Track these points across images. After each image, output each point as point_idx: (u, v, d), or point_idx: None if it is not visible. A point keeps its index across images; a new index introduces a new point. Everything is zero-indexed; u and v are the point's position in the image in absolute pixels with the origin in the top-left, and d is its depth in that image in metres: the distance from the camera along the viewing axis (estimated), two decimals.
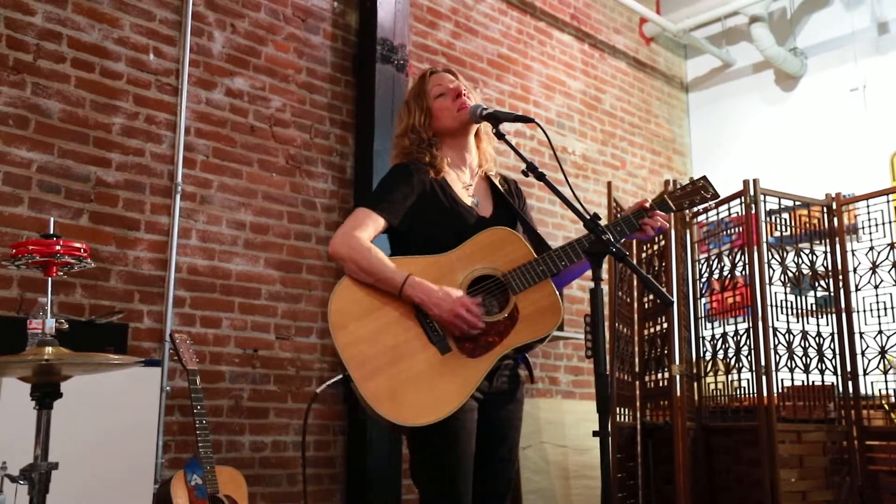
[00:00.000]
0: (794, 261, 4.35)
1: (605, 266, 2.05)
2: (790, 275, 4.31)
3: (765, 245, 4.18)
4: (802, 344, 4.23)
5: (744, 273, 4.23)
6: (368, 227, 2.09)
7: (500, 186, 2.29)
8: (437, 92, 2.24)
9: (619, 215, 2.19)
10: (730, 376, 4.29)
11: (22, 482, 1.88)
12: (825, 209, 4.47)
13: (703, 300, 4.60)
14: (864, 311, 4.29)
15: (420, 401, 1.95)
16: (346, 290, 2.04)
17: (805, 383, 4.22)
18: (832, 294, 4.38)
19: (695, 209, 4.77)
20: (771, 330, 4.08)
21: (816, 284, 4.40)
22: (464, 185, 2.24)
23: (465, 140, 2.27)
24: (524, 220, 2.25)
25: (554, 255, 2.08)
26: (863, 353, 4.26)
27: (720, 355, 4.40)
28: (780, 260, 4.30)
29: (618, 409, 4.29)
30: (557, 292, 2.10)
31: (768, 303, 4.10)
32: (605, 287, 3.91)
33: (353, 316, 2.01)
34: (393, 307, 2.02)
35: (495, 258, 2.09)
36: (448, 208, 2.15)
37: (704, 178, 2.22)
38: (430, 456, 2.04)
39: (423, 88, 2.27)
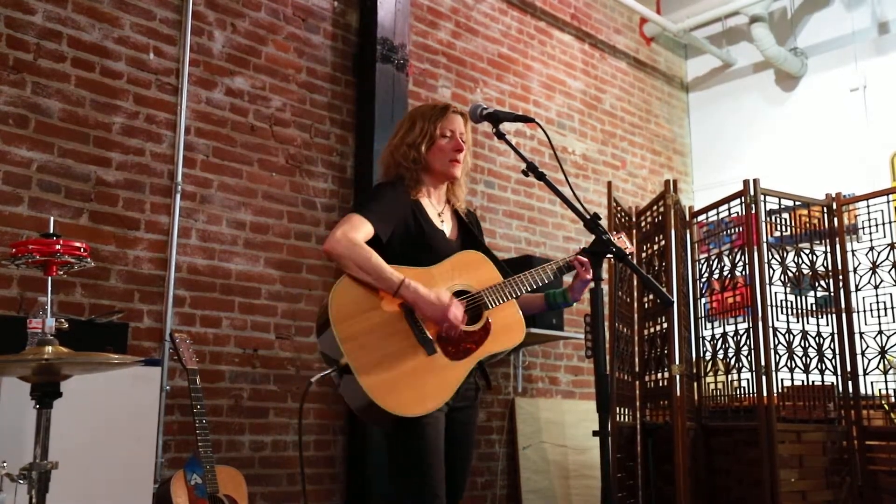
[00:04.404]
0: (794, 261, 4.35)
1: (604, 266, 2.05)
2: (790, 275, 4.32)
3: (765, 245, 4.18)
4: (802, 344, 4.23)
5: (744, 273, 4.23)
6: (361, 232, 2.23)
7: (465, 218, 2.53)
8: (446, 132, 2.41)
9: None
10: (730, 376, 4.29)
11: (22, 481, 1.88)
12: (825, 209, 4.47)
13: (703, 300, 4.60)
14: (864, 311, 4.30)
15: (411, 395, 2.12)
16: (346, 288, 2.18)
17: (805, 383, 4.23)
18: (832, 294, 4.38)
19: (697, 212, 4.78)
20: (771, 330, 4.08)
21: (816, 284, 4.40)
22: (437, 211, 2.46)
23: (442, 179, 2.49)
24: (486, 248, 2.48)
25: (520, 280, 2.33)
26: (863, 353, 4.27)
27: (720, 355, 4.40)
28: (780, 260, 4.30)
29: (618, 408, 4.29)
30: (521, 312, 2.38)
31: (768, 303, 4.10)
32: (605, 287, 3.92)
33: (352, 312, 2.15)
34: (386, 308, 2.18)
35: (470, 277, 2.32)
36: (425, 228, 2.36)
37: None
38: (412, 452, 2.20)
39: (438, 118, 2.43)
